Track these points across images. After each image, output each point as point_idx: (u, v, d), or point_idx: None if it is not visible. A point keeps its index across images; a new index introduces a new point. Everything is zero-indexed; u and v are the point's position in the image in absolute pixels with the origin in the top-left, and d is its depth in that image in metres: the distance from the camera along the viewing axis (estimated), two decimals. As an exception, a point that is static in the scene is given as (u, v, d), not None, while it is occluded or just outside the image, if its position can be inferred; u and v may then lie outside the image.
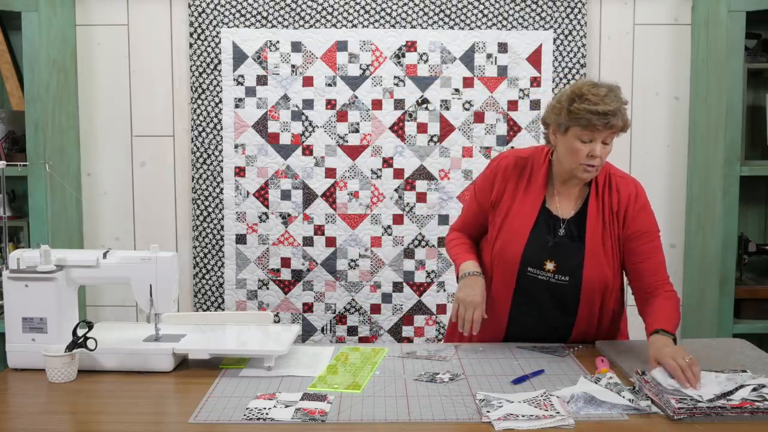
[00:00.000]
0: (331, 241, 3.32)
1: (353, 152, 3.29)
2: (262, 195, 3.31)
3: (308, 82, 3.26)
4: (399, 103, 3.27)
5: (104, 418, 1.64)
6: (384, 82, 3.26)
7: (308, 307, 3.34)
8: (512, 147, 3.26)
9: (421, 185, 3.30)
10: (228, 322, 2.15)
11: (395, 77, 3.26)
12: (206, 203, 3.32)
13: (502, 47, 3.26)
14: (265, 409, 1.65)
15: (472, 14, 3.25)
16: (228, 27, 3.25)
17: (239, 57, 3.26)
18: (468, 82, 3.26)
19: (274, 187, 3.31)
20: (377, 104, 3.27)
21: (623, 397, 1.66)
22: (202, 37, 3.26)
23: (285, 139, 3.29)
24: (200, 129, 3.29)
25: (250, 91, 3.27)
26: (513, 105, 3.27)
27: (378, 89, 3.26)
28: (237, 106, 3.28)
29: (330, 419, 1.61)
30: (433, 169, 3.29)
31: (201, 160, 3.30)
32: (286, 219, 3.31)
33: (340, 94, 3.27)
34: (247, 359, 1.97)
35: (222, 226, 3.32)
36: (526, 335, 2.16)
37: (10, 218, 3.17)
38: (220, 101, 3.28)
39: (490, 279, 2.14)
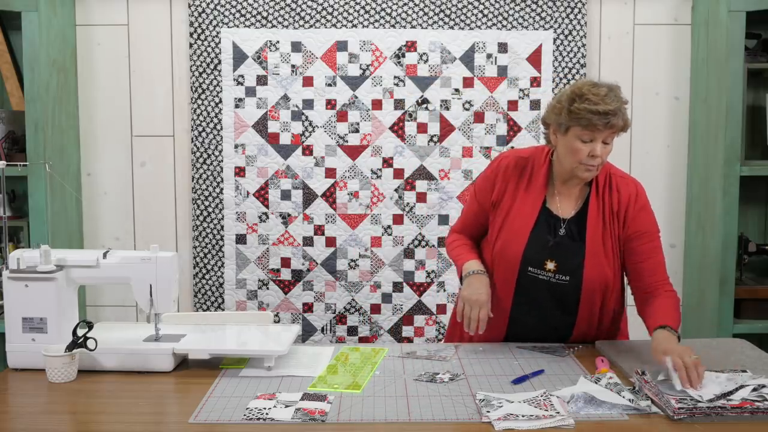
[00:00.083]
0: (331, 241, 3.32)
1: (353, 152, 3.29)
2: (262, 195, 3.31)
3: (308, 82, 3.26)
4: (399, 103, 3.27)
5: (104, 418, 1.64)
6: (384, 82, 3.26)
7: (308, 307, 3.34)
8: (512, 147, 3.26)
9: (421, 185, 3.30)
10: (228, 322, 2.15)
11: (395, 77, 3.26)
12: (206, 203, 3.32)
13: (502, 47, 3.26)
14: (265, 409, 1.65)
15: (472, 14, 3.25)
16: (228, 27, 3.25)
17: (239, 57, 3.26)
18: (468, 82, 3.26)
19: (274, 187, 3.31)
20: (377, 104, 3.27)
21: (623, 397, 1.66)
22: (202, 37, 3.26)
23: (285, 139, 3.29)
24: (200, 129, 3.29)
25: (250, 91, 3.27)
26: (513, 105, 3.28)
27: (378, 89, 3.26)
28: (237, 106, 3.28)
29: (330, 419, 1.61)
30: (433, 169, 3.29)
31: (201, 160, 3.30)
32: (286, 219, 3.32)
33: (340, 94, 3.27)
34: (247, 359, 1.97)
35: (222, 226, 3.32)
36: (527, 335, 2.16)
37: (10, 218, 3.17)
38: (220, 101, 3.28)
39: (491, 279, 2.14)
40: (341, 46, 3.26)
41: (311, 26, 3.25)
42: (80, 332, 1.88)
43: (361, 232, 3.31)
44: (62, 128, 3.15)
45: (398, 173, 3.30)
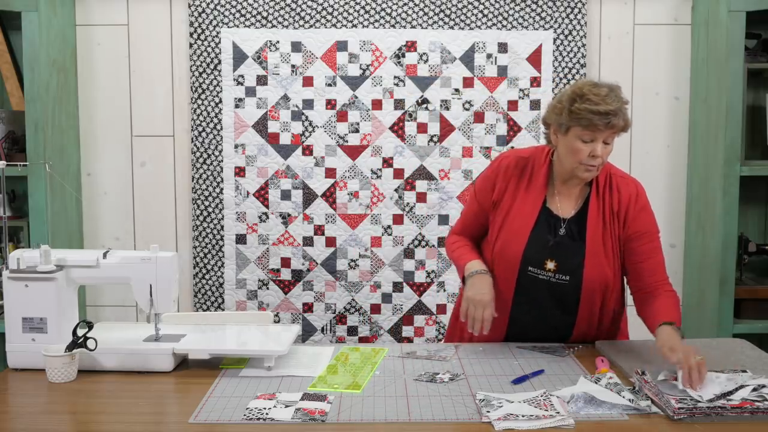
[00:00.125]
0: (331, 241, 3.32)
1: (353, 152, 3.29)
2: (262, 195, 3.31)
3: (308, 82, 3.26)
4: (399, 103, 3.27)
5: (104, 418, 1.64)
6: (384, 82, 3.26)
7: (308, 307, 3.34)
8: (512, 147, 3.26)
9: (421, 185, 3.30)
10: (228, 322, 2.15)
11: (395, 77, 3.26)
12: (206, 203, 3.32)
13: (502, 47, 3.26)
14: (265, 409, 1.65)
15: (472, 14, 3.25)
16: (228, 27, 3.25)
17: (239, 57, 3.26)
18: (468, 82, 3.26)
19: (274, 187, 3.31)
20: (377, 104, 3.27)
21: (623, 397, 1.66)
22: (202, 37, 3.26)
23: (285, 139, 3.29)
24: (200, 129, 3.29)
25: (250, 91, 3.27)
26: (513, 105, 3.28)
27: (378, 89, 3.26)
28: (237, 106, 3.28)
29: (330, 419, 1.61)
30: (433, 169, 3.29)
31: (201, 160, 3.30)
32: (286, 219, 3.32)
33: (340, 94, 3.27)
34: (247, 359, 1.97)
35: (222, 226, 3.32)
36: (527, 335, 2.16)
37: (10, 218, 3.17)
38: (220, 101, 3.28)
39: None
40: (341, 46, 3.26)
41: (311, 26, 3.25)
42: (80, 332, 1.88)
43: (361, 232, 3.31)
44: (62, 128, 3.15)
45: (398, 173, 3.30)
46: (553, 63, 3.26)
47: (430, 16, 3.25)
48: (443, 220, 3.31)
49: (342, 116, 3.28)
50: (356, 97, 3.27)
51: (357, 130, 3.28)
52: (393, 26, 3.25)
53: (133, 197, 3.38)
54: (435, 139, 3.28)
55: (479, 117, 3.28)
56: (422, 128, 3.28)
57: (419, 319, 3.34)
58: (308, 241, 3.32)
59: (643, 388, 1.72)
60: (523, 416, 1.59)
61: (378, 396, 1.74)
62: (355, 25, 3.25)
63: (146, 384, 1.84)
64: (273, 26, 3.25)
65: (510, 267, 2.09)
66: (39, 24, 2.98)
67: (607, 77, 2.26)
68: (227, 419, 1.61)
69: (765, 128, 3.22)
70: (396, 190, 3.30)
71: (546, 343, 2.13)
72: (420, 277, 3.33)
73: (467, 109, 3.27)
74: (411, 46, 3.26)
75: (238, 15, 3.25)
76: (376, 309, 3.34)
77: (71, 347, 1.84)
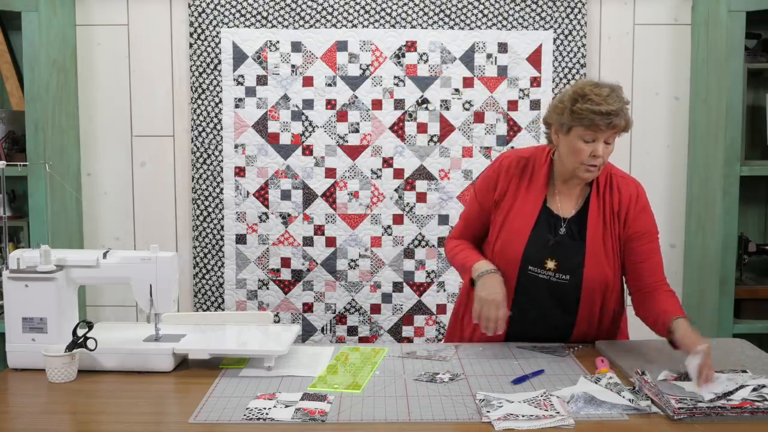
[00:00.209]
0: (331, 241, 3.32)
1: (353, 152, 3.29)
2: (262, 195, 3.31)
3: (308, 82, 3.26)
4: (399, 103, 3.27)
5: (104, 418, 1.64)
6: (384, 82, 3.26)
7: (308, 307, 3.34)
8: (512, 147, 3.26)
9: (421, 185, 3.30)
10: (228, 322, 2.15)
11: (395, 77, 3.26)
12: (206, 203, 3.32)
13: (502, 47, 3.26)
14: (265, 409, 1.65)
15: (472, 14, 3.25)
16: (228, 27, 3.25)
17: (239, 57, 3.26)
18: (468, 82, 3.26)
19: (274, 187, 3.31)
20: (377, 104, 3.27)
21: (623, 397, 1.66)
22: (202, 37, 3.26)
23: (285, 139, 3.29)
24: (200, 129, 3.29)
25: (250, 91, 3.27)
26: (513, 105, 3.27)
27: (378, 89, 3.26)
28: (237, 106, 3.28)
29: (330, 419, 1.61)
30: (433, 169, 3.29)
31: (201, 160, 3.30)
32: (286, 219, 3.32)
33: (340, 94, 3.27)
34: (247, 359, 1.97)
35: (222, 226, 3.32)
36: (527, 334, 2.16)
37: (10, 218, 3.17)
38: (220, 101, 3.28)
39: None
40: (341, 46, 3.26)
41: (311, 26, 3.25)
42: (80, 332, 1.88)
43: (361, 232, 3.31)
44: (62, 128, 3.15)
45: (398, 173, 3.30)
46: (553, 63, 3.26)
47: (430, 16, 3.25)
48: (443, 220, 3.31)
49: (342, 116, 3.28)
50: (356, 97, 3.27)
51: (357, 130, 3.28)
52: (393, 26, 3.25)
53: (133, 197, 3.38)
54: (435, 139, 3.28)
55: (479, 117, 3.28)
56: (422, 128, 3.28)
57: (419, 319, 3.34)
58: (308, 241, 3.32)
59: (643, 388, 1.71)
60: (523, 416, 1.59)
61: (378, 396, 1.74)
62: (355, 25, 3.25)
63: (146, 384, 1.84)
64: (273, 26, 3.25)
65: (510, 266, 2.09)
66: (39, 24, 2.98)
67: (607, 77, 2.26)
68: (227, 419, 1.61)
69: (765, 128, 3.22)
70: (396, 190, 3.30)
71: (546, 343, 2.13)
72: (420, 277, 3.33)
73: (467, 109, 3.27)
74: (411, 46, 3.26)
75: (238, 15, 3.25)
76: (376, 309, 3.34)
77: (71, 347, 1.84)
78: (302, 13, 3.25)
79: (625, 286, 2.17)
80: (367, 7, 3.25)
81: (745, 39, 3.03)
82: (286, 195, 3.31)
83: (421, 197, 3.31)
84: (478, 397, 1.70)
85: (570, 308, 2.10)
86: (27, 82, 3.01)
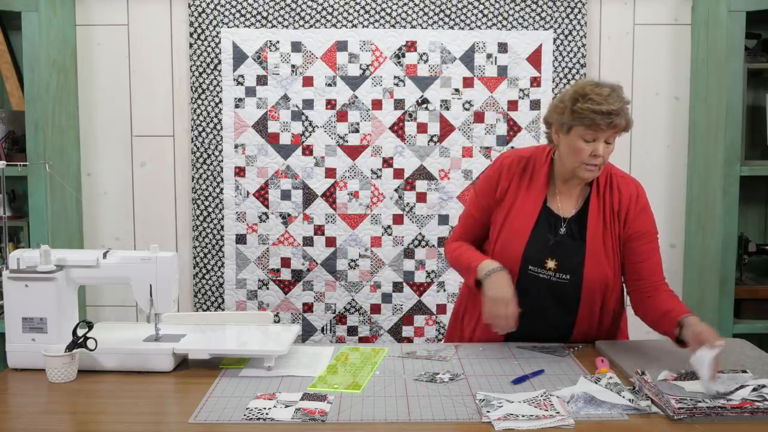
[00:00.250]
0: (331, 241, 3.32)
1: (353, 152, 3.29)
2: (262, 195, 3.31)
3: (308, 82, 3.26)
4: (399, 103, 3.27)
5: (104, 418, 1.64)
6: (384, 82, 3.26)
7: (308, 307, 3.34)
8: (512, 147, 3.26)
9: (421, 185, 3.30)
10: (228, 322, 2.15)
11: (395, 77, 3.26)
12: (206, 203, 3.32)
13: (502, 47, 3.26)
14: (265, 409, 1.65)
15: (472, 14, 3.25)
16: (228, 27, 3.25)
17: (239, 57, 3.26)
18: (468, 82, 3.26)
19: (274, 187, 3.31)
20: (377, 104, 3.27)
21: (623, 397, 1.66)
22: (202, 37, 3.26)
23: (285, 139, 3.29)
24: (200, 129, 3.29)
25: (250, 91, 3.27)
26: (513, 105, 3.27)
27: (378, 89, 3.26)
28: (237, 106, 3.28)
29: (330, 419, 1.61)
30: (433, 169, 3.29)
31: (201, 160, 3.30)
32: (286, 219, 3.32)
33: (340, 94, 3.27)
34: (247, 359, 1.97)
35: (222, 226, 3.32)
36: (527, 334, 2.16)
37: (10, 218, 3.17)
38: (220, 101, 3.28)
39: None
40: (341, 46, 3.26)
41: (311, 26, 3.25)
42: (80, 332, 1.88)
43: (361, 232, 3.31)
44: (62, 128, 3.15)
45: (398, 173, 3.30)
46: (553, 63, 3.26)
47: (430, 16, 3.25)
48: (443, 220, 3.31)
49: (342, 116, 3.28)
50: (356, 97, 3.27)
51: (357, 130, 3.28)
52: (393, 26, 3.25)
53: (133, 197, 3.38)
54: (435, 139, 3.28)
55: (479, 117, 3.28)
56: (422, 128, 3.28)
57: (419, 319, 3.34)
58: (308, 241, 3.32)
59: (643, 388, 1.71)
60: (523, 416, 1.59)
61: (378, 396, 1.74)
62: (355, 25, 3.25)
63: (146, 384, 1.84)
64: (273, 26, 3.25)
65: (510, 266, 2.08)
66: (39, 24, 2.98)
67: (607, 77, 2.26)
68: (227, 419, 1.61)
69: (765, 128, 3.22)
70: (396, 190, 3.30)
71: (546, 343, 2.13)
72: (420, 277, 3.33)
73: (467, 109, 3.27)
74: (411, 46, 3.26)
75: (238, 15, 3.25)
76: (376, 309, 3.34)
77: (71, 347, 1.84)
78: (302, 13, 3.25)
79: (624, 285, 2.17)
80: (367, 7, 3.25)
81: (745, 39, 3.03)
82: (286, 195, 3.31)
83: (421, 197, 3.31)
84: (478, 397, 1.70)
85: (570, 308, 2.10)
86: (27, 82, 3.01)
